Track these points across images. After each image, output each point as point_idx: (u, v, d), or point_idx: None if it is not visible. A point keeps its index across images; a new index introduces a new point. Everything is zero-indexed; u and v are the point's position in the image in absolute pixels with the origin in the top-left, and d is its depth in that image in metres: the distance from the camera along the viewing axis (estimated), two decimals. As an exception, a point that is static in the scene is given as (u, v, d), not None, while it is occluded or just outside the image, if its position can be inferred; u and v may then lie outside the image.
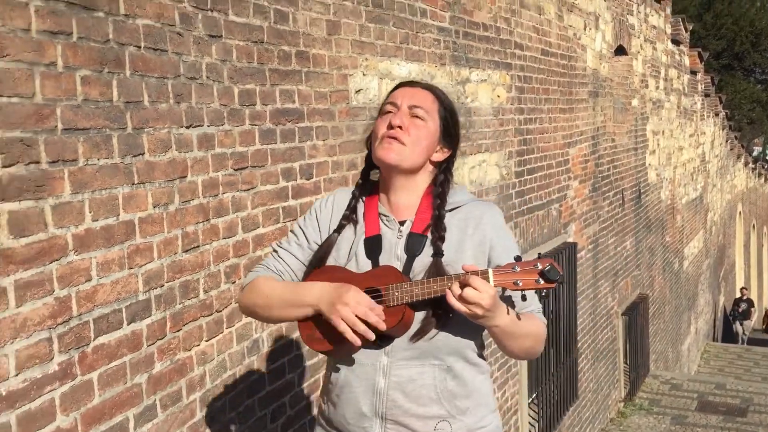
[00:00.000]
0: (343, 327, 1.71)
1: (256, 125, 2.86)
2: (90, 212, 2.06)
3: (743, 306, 17.70)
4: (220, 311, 2.67)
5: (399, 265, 1.82)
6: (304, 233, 1.98)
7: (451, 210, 1.86)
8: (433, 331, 1.78)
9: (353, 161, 3.52)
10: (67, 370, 1.99)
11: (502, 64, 5.18)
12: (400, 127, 1.81)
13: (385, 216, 1.89)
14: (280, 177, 3.01)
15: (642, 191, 9.31)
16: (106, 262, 2.12)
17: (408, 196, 1.88)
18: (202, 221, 2.55)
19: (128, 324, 2.21)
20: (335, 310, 1.72)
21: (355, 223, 1.91)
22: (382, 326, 1.71)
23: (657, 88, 10.12)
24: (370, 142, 1.97)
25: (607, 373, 8.06)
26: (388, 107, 1.89)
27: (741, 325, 17.73)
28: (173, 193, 2.40)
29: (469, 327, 1.80)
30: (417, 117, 1.83)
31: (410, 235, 1.84)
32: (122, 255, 2.18)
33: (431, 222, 1.83)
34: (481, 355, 1.92)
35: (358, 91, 3.56)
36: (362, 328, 1.70)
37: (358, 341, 1.71)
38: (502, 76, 5.20)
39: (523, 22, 5.53)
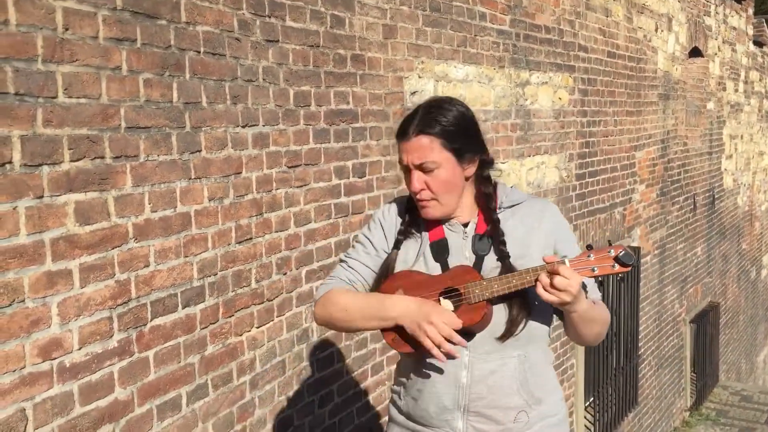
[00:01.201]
0: (429, 344, 1.77)
1: (310, 125, 3.01)
2: (149, 204, 2.25)
3: None
4: (271, 300, 2.83)
5: (467, 262, 1.89)
6: (371, 242, 2.01)
7: (511, 207, 1.92)
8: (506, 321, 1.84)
9: (407, 161, 3.64)
10: (125, 347, 2.19)
11: (564, 66, 5.19)
12: (422, 190, 1.82)
13: (447, 220, 1.92)
14: (332, 175, 3.16)
15: (716, 197, 9.07)
16: (164, 250, 2.31)
17: (461, 210, 1.92)
18: (256, 215, 2.72)
19: (183, 308, 2.39)
20: (421, 328, 1.77)
21: (418, 230, 1.94)
22: (464, 344, 1.79)
23: (736, 90, 9.83)
24: None
25: (672, 380, 7.91)
26: (404, 167, 1.89)
27: None
28: (228, 188, 2.58)
29: (544, 316, 1.89)
30: (430, 171, 1.80)
31: (475, 236, 1.90)
32: (179, 244, 2.36)
33: (488, 227, 1.89)
34: (549, 345, 2.02)
35: (413, 93, 3.67)
36: (448, 347, 1.76)
37: (444, 359, 1.78)
38: (564, 79, 5.21)
39: (589, 24, 5.52)
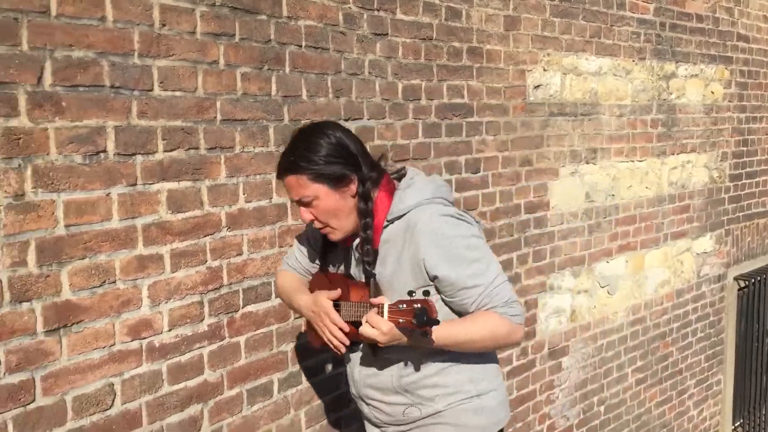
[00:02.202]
0: (327, 337, 1.94)
1: (420, 119, 2.97)
2: (243, 194, 2.31)
3: None
4: (371, 294, 2.83)
5: (358, 274, 1.96)
6: (309, 233, 2.15)
7: (399, 217, 1.86)
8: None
9: (527, 157, 3.51)
10: (216, 332, 2.27)
11: (719, 57, 4.78)
12: (312, 221, 1.89)
13: None
14: (443, 170, 3.10)
15: None
16: (257, 239, 2.37)
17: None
18: (356, 208, 2.72)
19: (276, 297, 2.44)
20: (315, 322, 1.98)
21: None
22: (345, 341, 1.92)
23: None
24: None
25: None
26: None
27: None
28: (327, 181, 2.59)
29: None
30: (309, 204, 1.86)
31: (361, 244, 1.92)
32: (273, 234, 2.42)
33: (361, 241, 1.89)
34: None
35: (537, 87, 3.53)
36: (336, 343, 1.93)
37: (339, 351, 1.95)
38: (719, 71, 4.79)
39: (750, 12, 5.04)
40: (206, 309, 2.24)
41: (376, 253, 1.87)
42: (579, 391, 3.98)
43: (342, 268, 2.04)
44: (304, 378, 2.58)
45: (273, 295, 2.43)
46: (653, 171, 4.32)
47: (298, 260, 2.20)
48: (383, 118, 2.81)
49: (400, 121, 2.89)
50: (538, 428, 3.77)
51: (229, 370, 2.32)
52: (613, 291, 4.11)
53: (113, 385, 2.00)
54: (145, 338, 2.07)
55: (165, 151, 2.08)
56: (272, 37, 2.37)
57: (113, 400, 2.00)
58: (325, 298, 1.94)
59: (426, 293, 1.69)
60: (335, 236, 1.90)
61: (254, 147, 2.34)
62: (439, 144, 3.07)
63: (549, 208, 3.66)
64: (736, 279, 5.12)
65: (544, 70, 3.57)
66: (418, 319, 1.64)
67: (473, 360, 1.93)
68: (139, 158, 2.02)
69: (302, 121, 2.49)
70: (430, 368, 1.92)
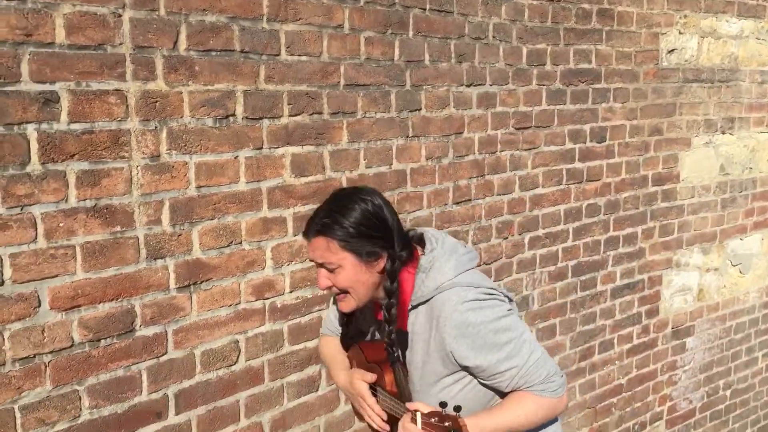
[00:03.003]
0: (367, 419, 1.84)
1: (543, 85, 2.87)
2: (364, 159, 2.32)
3: None
4: (489, 264, 2.79)
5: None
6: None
7: (423, 303, 1.72)
8: None
9: (657, 126, 3.33)
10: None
11: None
12: (329, 287, 1.74)
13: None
14: (566, 138, 2.99)
15: None
16: (377, 205, 2.37)
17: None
18: (476, 176, 2.68)
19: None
20: (356, 404, 1.87)
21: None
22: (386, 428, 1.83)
23: None
24: None
25: None
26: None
27: None
28: (448, 148, 2.56)
29: (473, 405, 1.71)
30: (332, 271, 1.71)
31: (398, 331, 1.77)
32: (392, 200, 2.41)
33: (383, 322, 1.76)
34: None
35: (670, 51, 3.33)
36: (375, 427, 1.82)
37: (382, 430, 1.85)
38: None
39: None
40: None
41: (405, 335, 1.77)
42: (704, 374, 3.79)
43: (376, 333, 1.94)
44: (419, 345, 2.58)
45: (391, 261, 2.43)
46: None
47: (333, 323, 2.03)
48: (506, 84, 2.73)
49: (524, 87, 2.80)
50: (658, 409, 3.63)
51: (347, 333, 2.35)
52: (746, 270, 3.87)
53: (238, 342, 2.07)
54: (268, 299, 2.13)
55: (290, 115, 2.11)
56: (396, 0, 2.34)
57: (238, 357, 2.08)
58: (360, 381, 1.85)
59: (457, 408, 1.58)
60: (348, 306, 1.75)
61: (376, 112, 2.33)
62: (563, 111, 2.96)
63: (679, 181, 3.47)
64: None
65: (680, 33, 3.36)
66: None
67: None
68: (265, 122, 2.05)
69: (424, 87, 2.45)
70: None
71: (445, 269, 1.74)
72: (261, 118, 2.04)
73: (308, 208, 2.19)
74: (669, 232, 3.48)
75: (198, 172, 1.93)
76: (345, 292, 1.74)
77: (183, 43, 1.86)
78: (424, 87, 2.45)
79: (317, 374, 2.29)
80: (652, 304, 3.48)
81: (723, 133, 3.62)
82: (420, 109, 2.45)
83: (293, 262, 2.17)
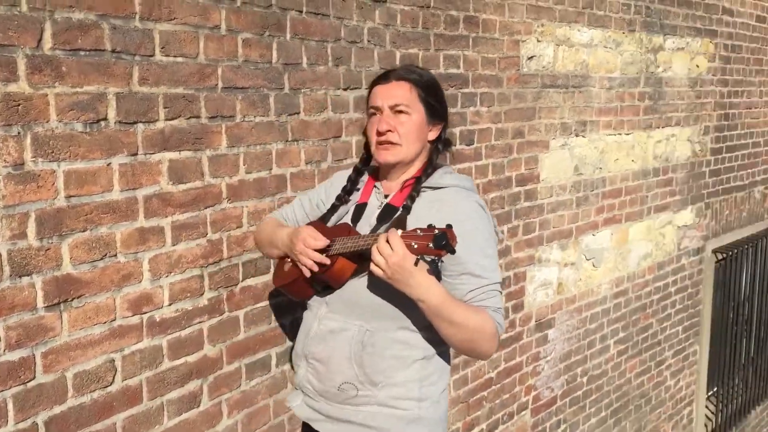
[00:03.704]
0: (302, 258, 1.85)
1: (416, 89, 2.91)
2: (244, 164, 2.25)
3: None
4: (367, 267, 2.79)
5: (368, 230, 1.87)
6: (317, 192, 2.13)
7: (433, 189, 1.86)
8: (360, 287, 1.80)
9: (520, 129, 3.48)
10: (215, 306, 2.21)
11: (705, 31, 4.78)
12: (389, 131, 1.84)
13: (377, 188, 1.97)
14: (438, 141, 3.05)
15: None
16: (257, 211, 2.31)
17: (404, 176, 1.92)
18: (354, 180, 2.67)
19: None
20: (292, 244, 1.89)
21: (350, 196, 2.01)
22: (325, 260, 1.82)
23: None
24: (366, 135, 1.97)
25: (810, 376, 7.30)
26: (372, 110, 1.90)
27: None
28: (326, 152, 2.54)
29: (402, 298, 1.72)
30: (401, 113, 1.84)
31: (386, 206, 1.89)
32: (273, 206, 2.36)
33: (404, 202, 1.86)
34: (429, 339, 1.82)
35: (530, 58, 3.49)
36: (308, 263, 1.83)
37: (313, 267, 1.84)
38: (704, 44, 4.80)
39: (736, -15, 5.05)
40: (206, 283, 2.18)
41: (394, 210, 1.85)
42: (563, 363, 4.01)
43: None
44: (301, 352, 2.55)
45: (272, 269, 2.38)
46: (639, 144, 4.33)
47: (294, 212, 2.13)
48: (381, 88, 2.74)
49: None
50: (524, 399, 3.80)
51: (229, 344, 2.28)
52: (598, 264, 4.13)
53: (114, 361, 1.94)
54: (145, 313, 2.01)
55: (166, 119, 2.00)
56: (273, 2, 2.29)
57: (114, 377, 1.95)
58: (310, 226, 1.89)
59: (449, 226, 1.60)
60: (395, 157, 1.84)
61: (255, 116, 2.26)
62: (435, 115, 3.02)
63: (539, 181, 3.65)
64: (714, 252, 5.20)
65: (538, 40, 3.52)
66: (436, 241, 1.54)
67: (432, 362, 1.84)
68: (140, 127, 1.94)
69: (302, 90, 2.42)
70: (391, 351, 1.81)
71: (465, 181, 1.91)
72: (135, 123, 1.93)
73: (188, 216, 2.09)
74: (531, 230, 3.65)
75: (67, 180, 1.78)
76: (396, 143, 1.83)
77: (48, 42, 1.72)
78: (303, 90, 2.42)
79: (199, 389, 2.19)
80: (518, 300, 3.63)
81: (577, 135, 3.85)
82: (299, 113, 2.41)
83: (172, 273, 2.07)
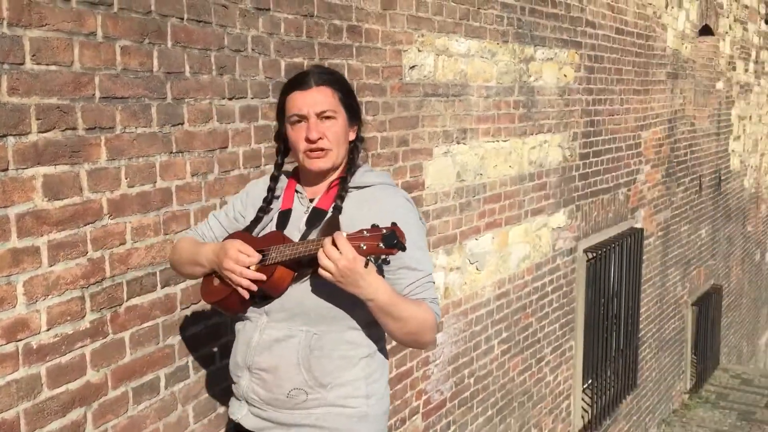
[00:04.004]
0: (235, 278, 1.81)
1: (302, 98, 2.88)
2: (126, 178, 2.14)
3: None
4: (257, 280, 2.73)
5: (298, 236, 1.87)
6: (233, 206, 2.10)
7: (359, 188, 1.89)
8: (303, 293, 1.80)
9: (404, 137, 3.52)
10: (98, 328, 2.09)
11: (570, 42, 5.04)
12: (320, 138, 1.84)
13: (300, 193, 1.97)
14: (325, 150, 3.03)
15: (723, 178, 8.92)
16: (141, 227, 2.20)
17: (330, 178, 1.94)
18: (242, 191, 2.61)
19: (162, 288, 2.29)
20: (221, 263, 1.84)
21: (271, 205, 1.99)
22: (258, 276, 1.78)
23: (746, 71, 9.63)
24: (280, 136, 1.98)
25: (672, 363, 7.84)
26: (295, 118, 1.88)
27: None
28: (213, 163, 2.46)
29: (347, 299, 1.77)
30: (328, 119, 1.86)
31: (314, 210, 1.90)
32: (158, 221, 2.26)
33: (332, 203, 1.88)
34: (371, 336, 1.89)
35: (412, 67, 3.54)
36: (245, 283, 1.79)
37: (245, 294, 1.81)
38: (570, 55, 5.06)
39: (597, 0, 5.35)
40: (88, 304, 2.05)
41: (323, 213, 1.85)
42: (452, 365, 4.09)
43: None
44: (191, 371, 2.45)
45: (159, 286, 2.28)
46: (515, 150, 4.49)
47: (212, 229, 2.08)
48: (267, 98, 2.70)
49: (283, 101, 2.79)
50: (415, 404, 3.84)
51: (114, 368, 2.16)
52: (481, 267, 4.25)
53: (-13, 394, 1.79)
54: (21, 340, 1.87)
55: (39, 131, 1.87)
56: (153, 8, 2.19)
57: (-12, 411, 1.80)
58: (237, 240, 1.84)
59: (394, 224, 1.61)
60: (327, 163, 1.85)
61: (136, 127, 2.16)
62: (321, 124, 3.00)
63: (425, 188, 3.70)
64: (585, 251, 5.47)
65: (419, 50, 3.59)
66: (386, 241, 1.55)
67: (375, 359, 1.90)
68: (10, 140, 1.80)
69: (186, 100, 2.33)
70: (338, 353, 1.84)
71: (387, 179, 1.94)
72: (5, 136, 1.79)
73: (65, 235, 1.96)
74: (417, 236, 3.70)
75: (-71, 200, 1.63)
76: (328, 149, 1.83)
77: None
78: (186, 100, 2.33)
79: (82, 418, 2.06)
80: (407, 306, 3.67)
81: (458, 143, 3.94)
82: (183, 123, 2.33)
83: (50, 296, 1.93)
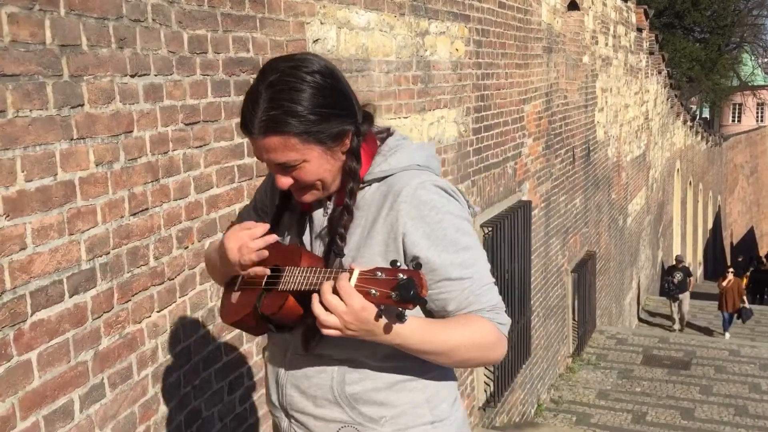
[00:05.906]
0: (245, 255, 1.52)
1: (208, 75, 2.60)
2: (23, 171, 1.80)
3: (678, 276, 13.70)
4: (173, 279, 2.45)
5: (319, 246, 1.55)
6: (259, 197, 1.79)
7: (379, 179, 1.52)
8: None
9: (311, 116, 3.30)
10: (1, 351, 1.76)
11: (460, 15, 4.98)
12: (294, 182, 1.47)
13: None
14: (234, 133, 2.77)
15: (591, 149, 9.31)
16: (43, 228, 1.88)
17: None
18: (151, 181, 2.31)
19: (70, 296, 1.98)
20: (226, 245, 1.54)
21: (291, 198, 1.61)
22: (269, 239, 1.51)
23: (606, 44, 10.07)
24: None
25: (557, 329, 8.11)
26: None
27: (676, 301, 13.55)
28: (118, 150, 2.15)
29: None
30: (295, 167, 1.44)
31: (333, 209, 1.55)
32: (61, 220, 1.93)
33: (342, 207, 1.51)
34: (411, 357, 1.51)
35: (315, 41, 3.32)
36: (257, 270, 1.53)
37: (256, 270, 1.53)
38: (460, 29, 5.00)
39: (481, -28, 5.32)
40: (-14, 324, 1.72)
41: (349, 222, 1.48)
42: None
43: (289, 240, 1.62)
44: (107, 389, 2.15)
45: (67, 295, 1.96)
46: (416, 127, 4.38)
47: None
48: (171, 74, 2.40)
49: (189, 78, 2.50)
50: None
51: (21, 396, 1.83)
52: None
53: None
54: None
55: None
56: (41, -32, 1.86)
57: None
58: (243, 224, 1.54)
59: (417, 266, 1.27)
60: (313, 197, 1.48)
61: (31, 110, 1.83)
62: (230, 104, 2.73)
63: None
64: (481, 226, 5.47)
65: (321, 23, 3.37)
66: (400, 292, 1.20)
67: (432, 375, 1.54)
68: None
69: (85, 78, 2.01)
70: (381, 380, 1.52)
71: (415, 155, 1.51)
72: None
73: (-45, 243, 1.62)
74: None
75: None
76: (308, 189, 1.44)
77: None
78: (85, 78, 2.01)
79: (-12, 459, 1.73)
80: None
81: (363, 120, 3.77)
82: (83, 105, 2.00)
83: (-59, 319, 1.59)
